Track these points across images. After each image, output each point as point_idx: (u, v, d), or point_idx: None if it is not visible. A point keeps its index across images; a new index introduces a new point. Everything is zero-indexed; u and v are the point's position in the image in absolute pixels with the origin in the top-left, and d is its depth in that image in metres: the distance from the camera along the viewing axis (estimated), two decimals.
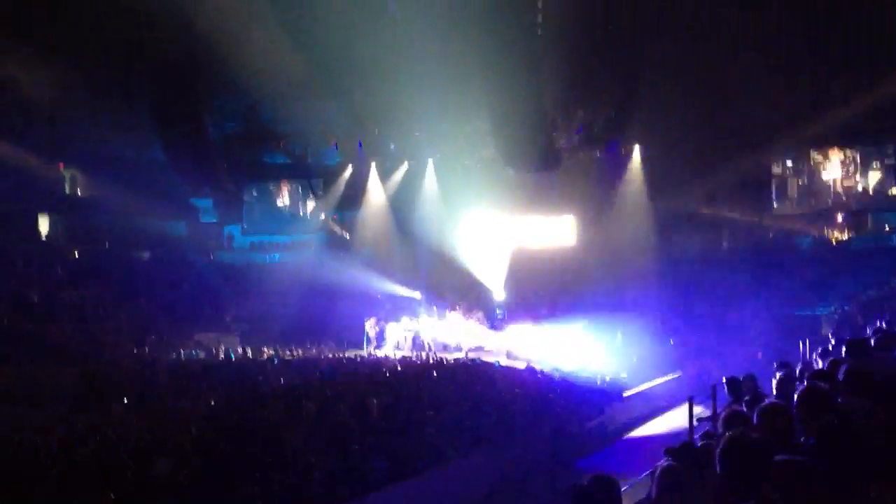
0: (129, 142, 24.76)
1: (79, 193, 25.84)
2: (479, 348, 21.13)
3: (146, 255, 25.49)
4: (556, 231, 25.34)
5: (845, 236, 23.98)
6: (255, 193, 28.90)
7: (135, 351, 18.83)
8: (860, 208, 24.14)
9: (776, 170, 24.91)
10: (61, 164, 25.01)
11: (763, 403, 4.71)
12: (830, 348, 8.36)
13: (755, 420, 4.49)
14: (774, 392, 6.30)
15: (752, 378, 7.50)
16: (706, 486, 4.99)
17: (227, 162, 26.18)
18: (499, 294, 24.37)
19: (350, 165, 27.33)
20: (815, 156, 24.49)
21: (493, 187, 24.76)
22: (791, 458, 3.41)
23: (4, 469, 8.40)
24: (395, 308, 23.66)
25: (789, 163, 24.99)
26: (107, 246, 24.81)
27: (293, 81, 22.67)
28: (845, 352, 6.40)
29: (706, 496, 4.76)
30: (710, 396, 8.94)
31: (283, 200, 29.45)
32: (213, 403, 12.26)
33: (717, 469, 3.61)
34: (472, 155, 25.87)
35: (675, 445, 6.07)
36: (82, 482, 8.30)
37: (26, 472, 8.40)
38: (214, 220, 28.53)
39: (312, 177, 28.71)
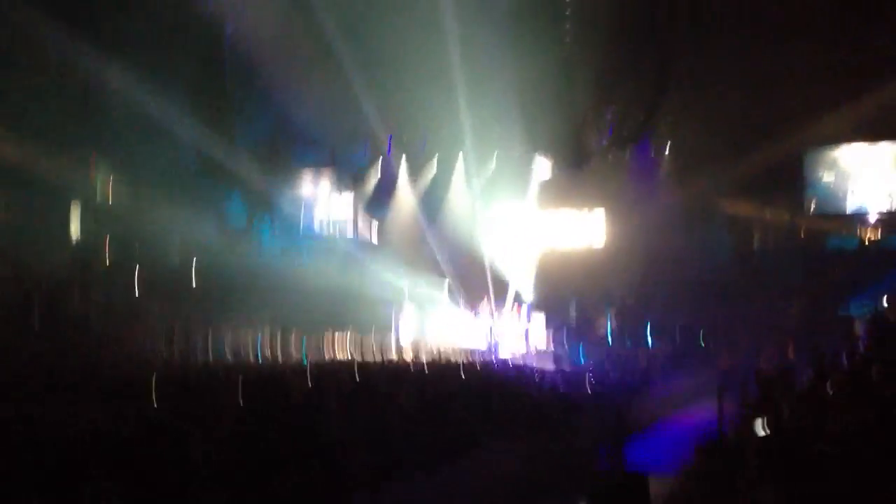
0: (159, 145, 24.82)
1: (109, 198, 25.87)
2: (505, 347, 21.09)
3: (177, 258, 25.53)
4: (586, 229, 25.04)
5: (879, 235, 23.50)
6: (284, 195, 28.79)
7: (166, 352, 18.90)
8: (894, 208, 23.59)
9: (809, 167, 24.42)
10: (92, 168, 25.13)
11: None
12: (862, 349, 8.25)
13: None
14: None
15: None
16: (735, 483, 4.89)
17: (259, 166, 26.16)
18: (527, 293, 24.26)
19: (379, 163, 27.24)
20: (848, 151, 23.98)
21: (524, 185, 24.78)
22: None
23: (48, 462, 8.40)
24: (420, 304, 23.56)
25: (823, 159, 24.46)
26: (137, 249, 24.85)
27: (322, 80, 22.70)
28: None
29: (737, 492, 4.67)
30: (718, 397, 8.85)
31: (313, 201, 29.25)
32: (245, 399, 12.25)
33: None
34: (502, 152, 25.70)
35: (706, 442, 5.97)
36: (124, 473, 8.24)
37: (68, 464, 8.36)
38: (244, 224, 28.53)
39: (342, 176, 28.63)
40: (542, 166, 25.42)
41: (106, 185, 25.19)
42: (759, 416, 6.45)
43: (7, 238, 21.33)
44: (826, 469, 3.65)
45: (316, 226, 28.72)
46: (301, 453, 9.14)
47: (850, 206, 23.89)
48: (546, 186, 25.26)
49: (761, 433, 5.95)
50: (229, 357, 19.55)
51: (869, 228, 23.47)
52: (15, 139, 20.74)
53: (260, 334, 22.23)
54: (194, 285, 23.74)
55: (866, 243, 23.19)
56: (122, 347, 18.22)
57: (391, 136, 26.46)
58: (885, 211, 23.44)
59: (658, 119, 23.34)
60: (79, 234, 24.55)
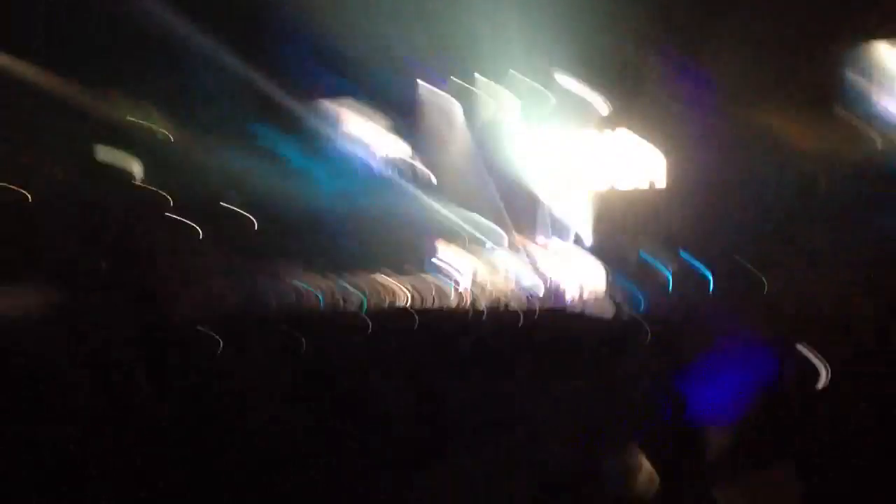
0: (199, 76, 24.76)
1: (161, 137, 26.08)
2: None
3: (234, 194, 25.79)
4: (645, 166, 24.44)
5: None
6: (339, 134, 28.63)
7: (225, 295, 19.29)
8: None
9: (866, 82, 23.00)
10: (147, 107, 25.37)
11: None
12: None
13: None
14: None
15: None
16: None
17: (318, 105, 26.09)
18: (585, 233, 23.98)
19: (426, 94, 26.55)
20: None
21: (579, 118, 24.16)
22: None
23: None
24: (472, 238, 23.54)
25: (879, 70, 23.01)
26: (196, 189, 25.20)
27: (367, 13, 22.42)
28: None
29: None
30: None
31: (369, 139, 29.03)
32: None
33: None
34: (555, 82, 25.15)
35: (767, 394, 5.84)
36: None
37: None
38: (302, 166, 28.64)
39: (395, 113, 28.35)
40: (598, 97, 24.82)
41: (164, 128, 25.61)
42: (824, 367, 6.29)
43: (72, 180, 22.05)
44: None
45: (373, 165, 28.58)
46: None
47: None
48: (604, 119, 24.73)
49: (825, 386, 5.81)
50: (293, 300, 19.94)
51: None
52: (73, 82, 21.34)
53: (321, 277, 22.58)
54: (256, 228, 24.16)
55: None
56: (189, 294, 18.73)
57: (444, 72, 25.79)
58: None
59: (709, 44, 22.42)
60: (142, 176, 25.11)
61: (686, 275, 20.45)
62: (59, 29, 20.84)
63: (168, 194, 24.83)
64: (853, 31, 20.90)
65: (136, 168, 25.64)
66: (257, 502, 7.70)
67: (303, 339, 13.27)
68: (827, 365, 6.47)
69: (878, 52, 22.98)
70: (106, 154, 23.25)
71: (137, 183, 24.99)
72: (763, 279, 18.28)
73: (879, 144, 22.85)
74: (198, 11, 22.47)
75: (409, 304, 19.70)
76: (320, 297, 20.50)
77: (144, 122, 25.50)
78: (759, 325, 15.53)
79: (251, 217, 24.57)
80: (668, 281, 20.72)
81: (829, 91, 21.99)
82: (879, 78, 23.22)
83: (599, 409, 10.99)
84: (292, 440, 8.48)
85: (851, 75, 23.29)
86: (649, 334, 13.38)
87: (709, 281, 19.49)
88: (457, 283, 22.28)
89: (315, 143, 28.47)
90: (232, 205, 25.08)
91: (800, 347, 10.50)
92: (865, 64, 23.46)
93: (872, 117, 23.29)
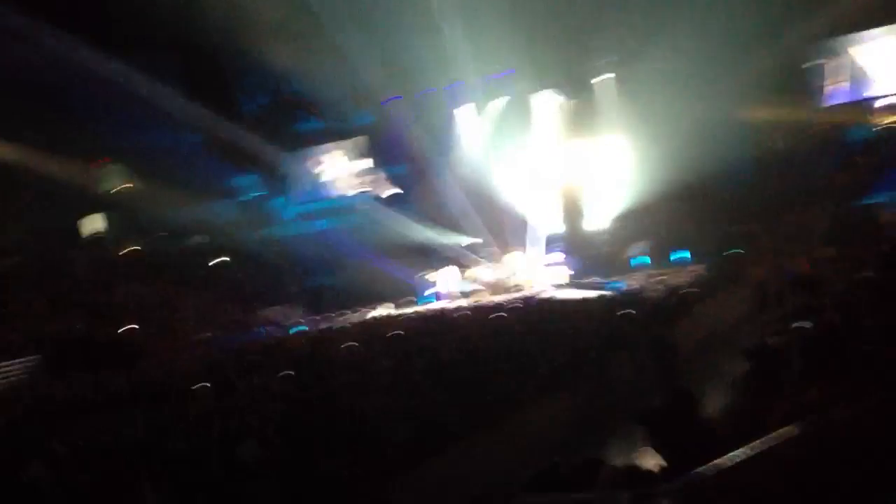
0: (163, 129, 24.83)
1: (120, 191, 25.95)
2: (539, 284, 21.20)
3: (197, 240, 25.75)
4: (601, 159, 24.77)
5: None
6: (295, 164, 28.74)
7: (203, 337, 19.22)
8: None
9: (820, 60, 23.74)
10: (101, 162, 25.25)
11: None
12: None
13: None
14: None
15: None
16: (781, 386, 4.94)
17: (264, 136, 26.19)
18: (551, 229, 24.25)
19: (386, 120, 26.81)
20: (858, 39, 23.29)
21: (535, 121, 24.55)
22: None
23: (94, 474, 8.67)
24: (453, 257, 23.67)
25: (833, 49, 23.74)
26: (157, 238, 25.11)
27: (319, 45, 22.59)
28: None
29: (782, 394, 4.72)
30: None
31: (326, 166, 29.14)
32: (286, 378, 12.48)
33: None
34: (510, 90, 25.45)
35: (749, 350, 6.00)
36: (172, 475, 8.54)
37: (116, 474, 8.64)
38: (258, 196, 28.72)
39: (349, 138, 28.46)
40: (551, 100, 25.16)
41: (118, 179, 25.47)
42: (800, 319, 6.47)
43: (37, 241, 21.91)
44: (869, 365, 3.70)
45: (332, 188, 28.79)
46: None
47: (867, 94, 23.39)
48: (557, 120, 25.07)
49: (803, 336, 5.99)
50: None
51: (885, 113, 22.93)
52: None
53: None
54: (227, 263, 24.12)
55: (885, 129, 22.70)
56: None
57: (396, 92, 26.04)
58: None
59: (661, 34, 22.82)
60: (101, 228, 24.95)
61: (659, 253, 20.86)
62: (24, 90, 20.87)
63: (140, 248, 24.77)
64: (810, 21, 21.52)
65: (106, 224, 25.52)
66: None
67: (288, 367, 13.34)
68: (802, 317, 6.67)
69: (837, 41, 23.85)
70: (75, 215, 23.37)
71: (107, 238, 24.91)
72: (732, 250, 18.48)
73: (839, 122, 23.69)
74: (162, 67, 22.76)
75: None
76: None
77: (112, 180, 25.51)
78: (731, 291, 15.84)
79: (230, 261, 24.54)
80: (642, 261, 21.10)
81: (787, 75, 22.63)
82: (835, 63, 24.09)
83: (595, 396, 11.17)
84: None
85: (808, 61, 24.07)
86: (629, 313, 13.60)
87: (680, 258, 19.83)
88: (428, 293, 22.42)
89: (275, 178, 28.62)
90: (207, 252, 25.01)
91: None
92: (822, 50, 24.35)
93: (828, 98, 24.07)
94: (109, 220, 25.26)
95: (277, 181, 28.65)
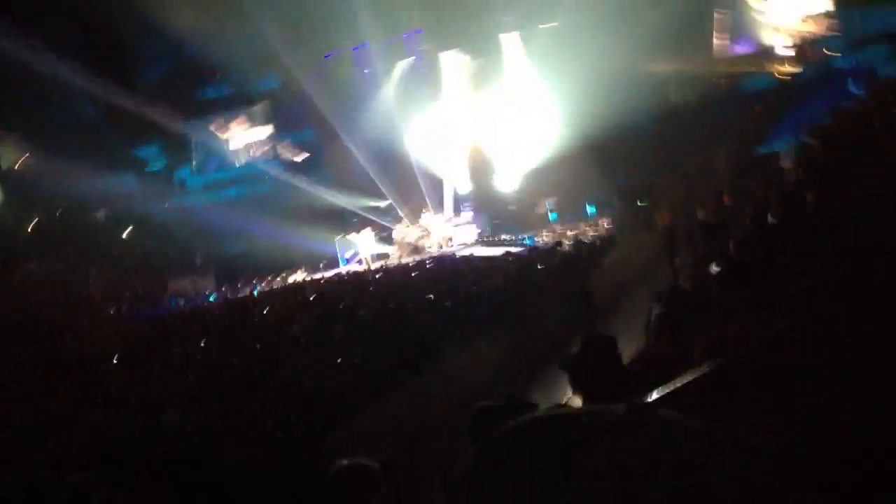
0: (58, 103, 23.78)
1: (16, 166, 24.86)
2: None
3: (101, 214, 24.90)
4: (508, 118, 25.00)
5: (790, 68, 23.85)
6: (199, 132, 27.90)
7: (114, 312, 18.71)
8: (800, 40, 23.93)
9: (717, 11, 24.40)
10: None
11: None
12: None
13: None
14: None
15: None
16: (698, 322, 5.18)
17: (164, 104, 25.31)
18: (462, 190, 24.44)
19: (292, 84, 26.12)
20: None
21: (441, 78, 24.42)
22: None
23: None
24: (364, 221, 23.60)
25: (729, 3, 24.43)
26: (59, 213, 24.16)
27: (219, 7, 21.94)
28: None
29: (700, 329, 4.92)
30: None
31: (232, 133, 28.43)
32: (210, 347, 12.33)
33: None
34: (415, 48, 25.28)
35: (665, 293, 6.25)
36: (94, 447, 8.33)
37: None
38: (162, 167, 27.90)
39: (254, 104, 27.84)
40: (458, 58, 25.19)
41: (13, 154, 24.27)
42: (710, 260, 6.74)
43: None
44: (777, 300, 3.93)
45: (238, 156, 28.22)
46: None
47: (762, 43, 24.22)
48: (465, 78, 25.12)
49: (714, 273, 6.25)
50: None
51: (779, 63, 23.84)
52: None
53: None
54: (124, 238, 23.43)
55: (780, 78, 23.61)
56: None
57: (302, 54, 25.44)
58: (793, 44, 23.82)
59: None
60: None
61: (566, 208, 21.25)
62: None
63: (30, 225, 23.71)
64: None
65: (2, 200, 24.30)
66: None
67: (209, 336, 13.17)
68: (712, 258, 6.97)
69: None
70: None
71: (4, 214, 23.79)
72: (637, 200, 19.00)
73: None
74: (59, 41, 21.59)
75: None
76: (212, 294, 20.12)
77: (7, 155, 24.24)
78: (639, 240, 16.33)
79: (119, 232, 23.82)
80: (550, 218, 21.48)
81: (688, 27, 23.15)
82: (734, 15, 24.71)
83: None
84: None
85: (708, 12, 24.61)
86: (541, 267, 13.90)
87: (588, 212, 20.27)
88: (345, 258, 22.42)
89: (178, 147, 27.79)
90: (112, 225, 24.21)
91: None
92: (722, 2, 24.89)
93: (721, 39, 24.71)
94: (5, 195, 24.09)
95: (182, 150, 27.82)
